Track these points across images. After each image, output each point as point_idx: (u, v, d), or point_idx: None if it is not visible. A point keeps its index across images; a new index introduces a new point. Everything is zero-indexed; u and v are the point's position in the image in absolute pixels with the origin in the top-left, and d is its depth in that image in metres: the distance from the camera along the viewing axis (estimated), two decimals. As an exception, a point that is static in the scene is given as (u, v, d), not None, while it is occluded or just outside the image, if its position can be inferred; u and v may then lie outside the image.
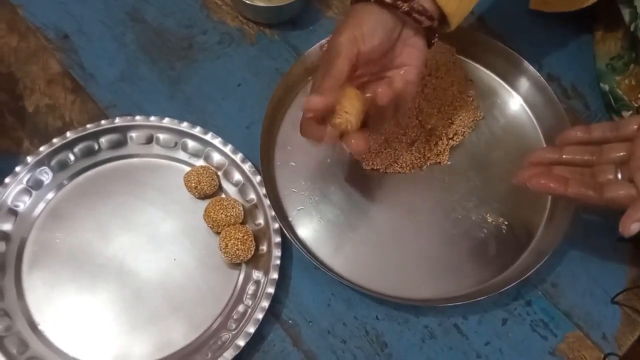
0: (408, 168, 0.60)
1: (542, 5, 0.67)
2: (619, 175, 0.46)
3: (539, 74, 0.62)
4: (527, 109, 0.64)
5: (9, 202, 0.56)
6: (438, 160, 0.60)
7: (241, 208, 0.56)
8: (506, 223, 0.58)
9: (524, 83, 0.63)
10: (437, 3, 0.49)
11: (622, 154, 0.46)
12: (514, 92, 0.64)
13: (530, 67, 0.62)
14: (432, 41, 0.51)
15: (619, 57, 0.63)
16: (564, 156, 0.49)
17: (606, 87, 0.63)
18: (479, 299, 0.53)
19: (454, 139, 0.61)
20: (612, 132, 0.48)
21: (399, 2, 0.47)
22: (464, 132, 0.61)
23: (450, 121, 0.61)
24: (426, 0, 0.49)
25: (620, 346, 0.54)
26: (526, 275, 0.53)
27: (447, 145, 0.61)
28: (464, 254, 0.57)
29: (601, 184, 0.46)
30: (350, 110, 0.47)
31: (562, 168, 0.49)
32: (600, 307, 0.56)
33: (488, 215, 0.58)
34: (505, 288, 0.53)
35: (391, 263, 0.56)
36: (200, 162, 0.60)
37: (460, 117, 0.61)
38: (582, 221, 0.59)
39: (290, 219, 0.58)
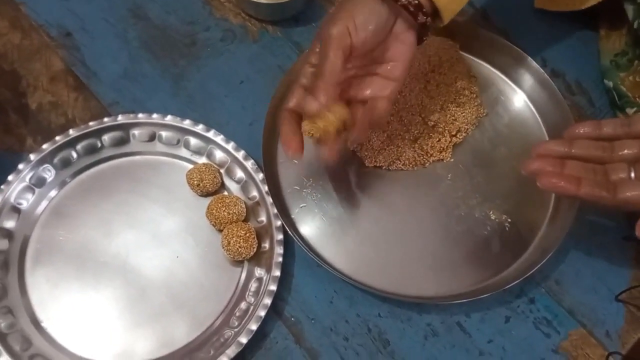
0: (411, 165, 0.60)
1: (547, 4, 0.67)
2: (632, 174, 0.44)
3: (542, 71, 0.62)
4: (531, 105, 0.63)
5: (12, 199, 0.56)
6: (441, 157, 0.60)
7: (243, 205, 0.56)
8: (509, 220, 0.58)
9: (527, 79, 0.63)
10: None
11: (635, 151, 0.45)
12: (517, 89, 0.64)
13: (534, 64, 0.62)
14: (424, 38, 0.50)
15: (623, 53, 0.63)
16: (573, 151, 0.47)
17: (610, 84, 0.63)
18: (481, 296, 0.53)
19: (457, 136, 0.61)
20: (624, 129, 0.46)
21: None
22: (467, 129, 0.61)
23: (453, 118, 0.61)
24: None
25: (624, 344, 0.54)
26: (529, 273, 0.53)
27: (450, 142, 0.60)
28: (467, 252, 0.57)
29: (614, 183, 0.44)
30: (323, 122, 0.46)
31: (573, 165, 0.46)
32: (604, 304, 0.56)
33: (491, 212, 0.58)
34: (509, 286, 0.53)
35: (394, 260, 0.56)
36: (202, 160, 0.59)
37: (463, 114, 0.61)
38: (586, 218, 0.59)
39: (292, 216, 0.58)
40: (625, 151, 0.45)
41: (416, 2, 0.47)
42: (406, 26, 0.49)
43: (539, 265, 0.53)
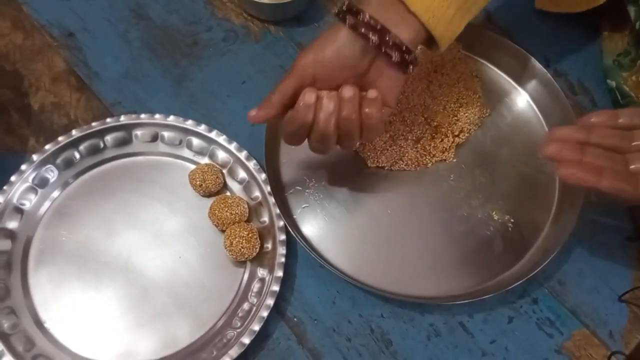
0: (413, 165, 0.60)
1: (547, 5, 0.67)
2: None
3: (545, 70, 0.61)
4: (533, 105, 0.63)
5: (14, 200, 0.56)
6: (444, 158, 0.60)
7: (246, 206, 0.56)
8: (512, 221, 0.58)
9: (530, 79, 0.63)
10: (426, 27, 0.47)
11: None
12: (520, 89, 0.64)
13: (537, 64, 0.62)
14: (409, 68, 0.48)
15: (625, 53, 0.63)
16: (590, 138, 0.45)
17: (613, 84, 0.63)
18: (484, 297, 0.53)
19: (460, 136, 0.61)
20: None
21: (370, 34, 0.46)
22: (470, 129, 0.61)
23: (456, 118, 0.61)
24: (406, 30, 0.46)
25: (627, 344, 0.54)
26: (532, 273, 0.53)
27: (452, 142, 0.60)
28: (469, 252, 0.57)
29: (636, 176, 0.42)
30: None
31: (593, 152, 0.44)
32: (607, 305, 0.55)
33: (494, 212, 0.58)
34: (512, 286, 0.53)
35: (396, 261, 0.56)
36: (205, 160, 0.59)
37: (466, 114, 0.61)
38: (589, 218, 0.58)
39: (295, 216, 0.58)
40: None
41: (395, 40, 0.46)
42: (386, 62, 0.48)
43: (541, 266, 0.53)
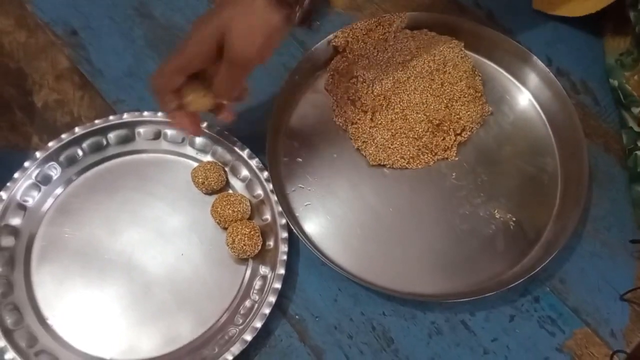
0: (415, 163, 0.60)
1: (544, 7, 0.67)
2: None
3: (548, 69, 0.61)
4: (536, 104, 0.63)
5: (18, 197, 0.56)
6: (446, 156, 0.60)
7: (248, 204, 0.57)
8: (514, 219, 0.58)
9: (533, 78, 0.63)
10: None
11: None
12: (522, 88, 0.64)
13: (540, 62, 0.62)
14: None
15: (628, 52, 0.63)
16: None
17: (615, 83, 0.63)
18: (486, 295, 0.53)
19: (462, 134, 0.61)
20: None
21: None
22: (472, 127, 0.61)
23: (458, 116, 0.61)
24: None
25: (628, 343, 0.54)
26: (534, 272, 0.53)
27: (454, 140, 0.60)
28: (471, 250, 0.57)
29: None
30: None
31: None
32: (609, 303, 0.55)
33: (496, 211, 0.58)
34: (513, 284, 0.53)
35: (398, 258, 0.56)
36: (207, 158, 0.60)
37: (468, 113, 0.61)
38: (590, 217, 0.59)
39: (297, 214, 0.58)
40: None
41: None
42: None
43: (543, 264, 0.53)
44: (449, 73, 0.62)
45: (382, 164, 0.60)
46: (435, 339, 0.54)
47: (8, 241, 0.55)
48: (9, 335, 0.51)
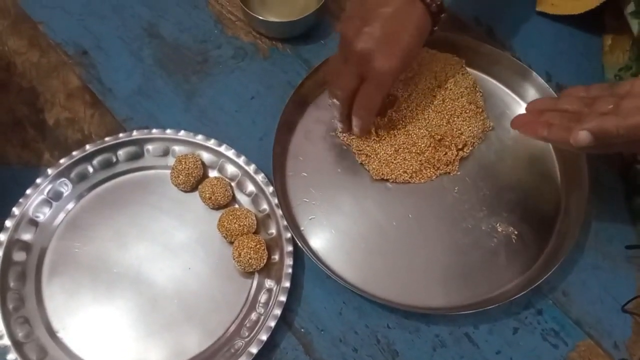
0: (418, 178, 0.61)
1: (548, 8, 0.68)
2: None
3: (547, 85, 0.62)
4: (536, 119, 0.64)
5: (30, 212, 0.57)
6: (448, 171, 0.61)
7: (254, 218, 0.58)
8: (516, 232, 0.58)
9: (532, 94, 0.64)
10: None
11: (610, 106, 0.49)
12: (523, 103, 0.65)
13: (539, 78, 0.63)
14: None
15: (627, 68, 0.64)
16: (558, 105, 0.54)
17: (615, 98, 0.64)
18: (489, 307, 0.54)
19: (464, 149, 0.62)
20: (608, 90, 0.51)
21: None
22: (474, 142, 0.62)
23: (459, 132, 0.62)
24: None
25: (631, 355, 0.54)
26: (536, 284, 0.54)
27: (456, 155, 0.61)
28: (474, 264, 0.57)
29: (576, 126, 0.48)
30: None
31: (549, 115, 0.53)
32: (612, 315, 0.56)
33: (498, 224, 0.59)
34: (516, 297, 0.54)
35: (402, 272, 0.57)
36: (214, 174, 0.61)
37: (469, 128, 0.62)
38: (592, 229, 0.59)
39: (302, 228, 0.59)
40: (602, 106, 0.49)
41: None
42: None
43: (545, 277, 0.54)
44: (450, 89, 0.63)
45: (385, 178, 0.61)
46: (440, 352, 0.55)
47: (20, 256, 0.56)
48: (19, 348, 0.52)
